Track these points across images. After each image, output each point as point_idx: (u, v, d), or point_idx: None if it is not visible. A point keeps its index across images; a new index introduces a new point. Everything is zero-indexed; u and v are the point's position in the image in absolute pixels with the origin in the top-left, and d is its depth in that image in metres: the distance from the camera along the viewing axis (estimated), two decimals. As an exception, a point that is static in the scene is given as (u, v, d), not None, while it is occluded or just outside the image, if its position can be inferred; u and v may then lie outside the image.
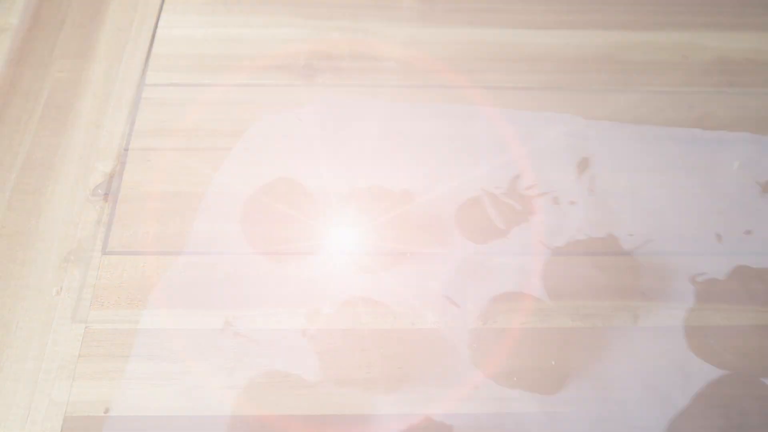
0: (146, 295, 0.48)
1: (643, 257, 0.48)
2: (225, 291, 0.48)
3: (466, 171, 0.53)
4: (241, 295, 0.48)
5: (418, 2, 0.69)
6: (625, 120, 0.55)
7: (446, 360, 0.45)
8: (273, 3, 0.70)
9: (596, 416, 0.42)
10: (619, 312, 0.46)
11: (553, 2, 0.68)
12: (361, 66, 0.62)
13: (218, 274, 0.48)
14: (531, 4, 0.68)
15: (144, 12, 0.72)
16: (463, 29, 0.66)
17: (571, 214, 0.50)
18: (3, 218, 0.55)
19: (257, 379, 0.44)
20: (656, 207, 0.50)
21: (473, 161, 0.53)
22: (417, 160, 0.54)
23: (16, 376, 0.47)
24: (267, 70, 0.62)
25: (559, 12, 0.67)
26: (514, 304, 0.47)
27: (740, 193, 0.50)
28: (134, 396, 0.44)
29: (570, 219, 0.50)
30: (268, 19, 0.69)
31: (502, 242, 0.50)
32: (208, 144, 0.56)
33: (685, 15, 0.67)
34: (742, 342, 0.45)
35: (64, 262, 0.51)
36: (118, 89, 0.64)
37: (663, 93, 0.59)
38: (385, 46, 0.65)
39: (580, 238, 0.49)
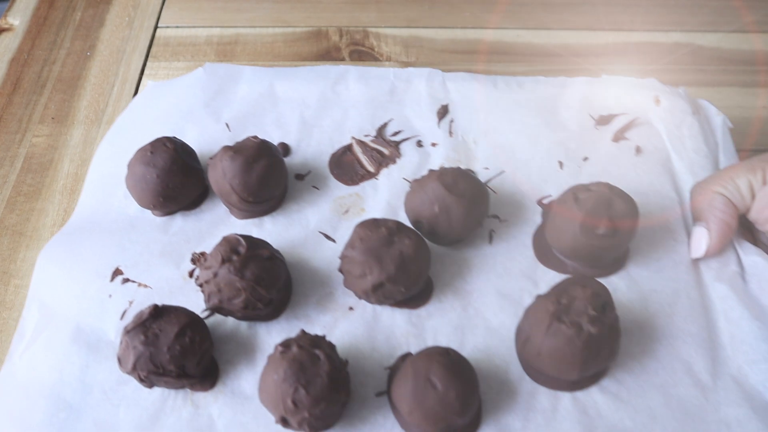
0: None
1: (496, 186, 0.53)
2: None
3: (337, 123, 0.58)
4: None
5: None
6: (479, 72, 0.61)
7: (324, 288, 0.49)
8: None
9: (457, 323, 0.47)
10: (477, 234, 0.51)
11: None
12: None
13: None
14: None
15: None
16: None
17: (433, 154, 0.55)
18: (3, 218, 0.56)
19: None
20: (507, 143, 0.56)
21: (343, 114, 0.58)
22: (292, 117, 0.58)
23: None
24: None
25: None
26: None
27: (578, 126, 0.56)
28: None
29: (432, 158, 0.55)
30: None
31: (372, 183, 0.54)
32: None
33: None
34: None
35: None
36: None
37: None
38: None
39: (441, 174, 0.55)
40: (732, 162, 0.53)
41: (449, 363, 0.41)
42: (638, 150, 0.55)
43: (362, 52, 0.68)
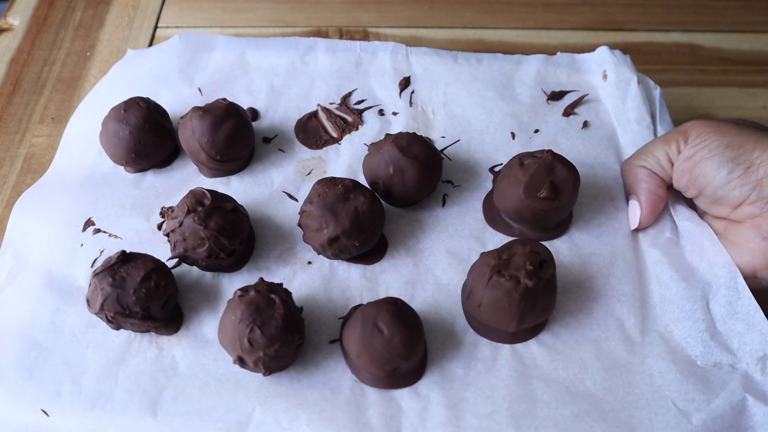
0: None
1: (452, 154, 0.56)
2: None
3: (305, 91, 0.61)
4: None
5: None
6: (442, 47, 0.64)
7: (285, 243, 0.52)
8: None
9: (409, 278, 0.50)
10: (432, 197, 0.54)
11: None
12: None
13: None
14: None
15: None
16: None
17: (394, 122, 0.59)
18: (3, 218, 0.57)
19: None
20: (464, 114, 0.59)
21: (310, 83, 0.61)
22: (262, 84, 0.61)
23: None
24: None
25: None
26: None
27: (531, 101, 0.60)
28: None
29: (393, 126, 0.58)
30: None
31: (335, 148, 0.57)
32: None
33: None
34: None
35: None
36: None
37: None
38: None
39: (401, 141, 0.58)
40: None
41: (396, 311, 0.44)
42: (586, 124, 0.58)
43: None
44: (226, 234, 0.48)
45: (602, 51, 0.61)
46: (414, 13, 0.73)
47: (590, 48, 0.62)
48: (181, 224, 0.47)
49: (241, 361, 0.43)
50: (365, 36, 0.71)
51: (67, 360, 0.46)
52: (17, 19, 0.74)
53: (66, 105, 0.66)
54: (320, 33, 0.72)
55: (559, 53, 0.62)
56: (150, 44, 0.71)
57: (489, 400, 0.44)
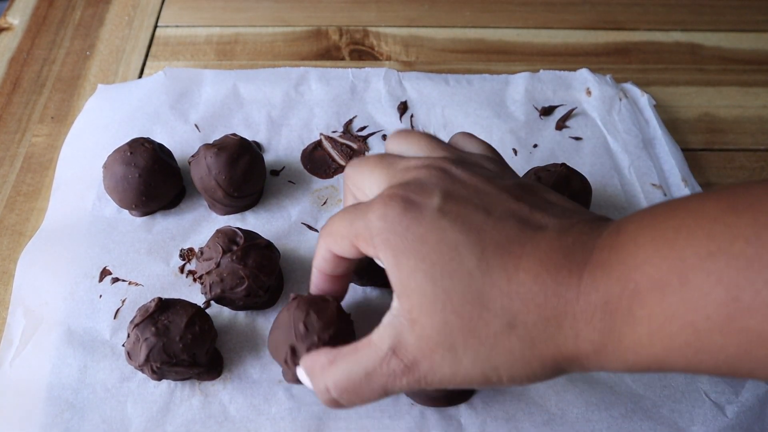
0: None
1: (459, 173, 0.58)
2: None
3: (304, 121, 0.61)
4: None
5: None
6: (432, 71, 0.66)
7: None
8: None
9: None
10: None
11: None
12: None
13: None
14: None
15: None
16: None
17: (398, 147, 0.60)
18: (3, 218, 0.55)
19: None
20: (464, 133, 0.61)
21: (309, 112, 0.61)
22: (260, 117, 0.60)
23: None
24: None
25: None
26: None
27: (525, 117, 0.62)
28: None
29: (398, 150, 0.59)
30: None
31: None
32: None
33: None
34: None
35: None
36: None
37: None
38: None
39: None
40: (658, 135, 0.61)
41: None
42: (578, 136, 0.61)
43: (362, 52, 0.70)
44: (265, 270, 0.47)
45: (583, 72, 0.65)
46: (414, 12, 0.74)
47: (591, 47, 0.64)
48: (218, 265, 0.46)
49: (292, 352, 0.41)
50: (365, 35, 0.72)
51: (106, 418, 0.44)
52: (17, 18, 0.73)
53: (66, 104, 0.64)
54: (320, 32, 0.71)
55: (542, 71, 0.65)
56: (150, 44, 0.70)
57: (543, 408, 0.46)
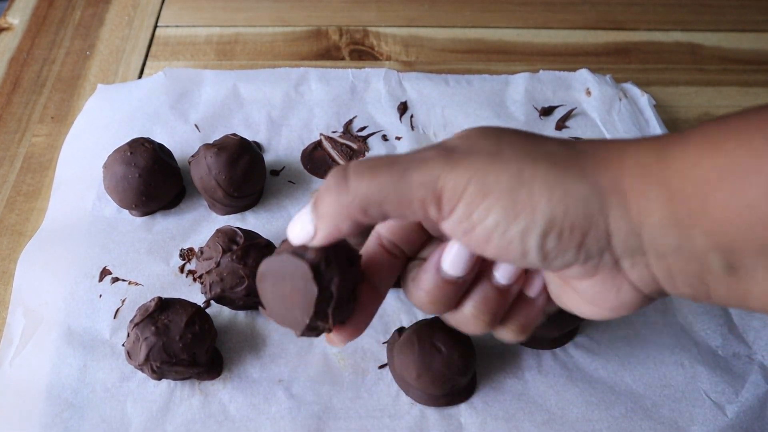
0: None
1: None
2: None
3: (304, 121, 0.61)
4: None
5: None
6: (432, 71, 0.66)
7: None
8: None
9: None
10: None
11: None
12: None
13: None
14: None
15: None
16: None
17: (399, 147, 0.60)
18: (3, 218, 0.55)
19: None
20: (464, 132, 0.61)
21: (309, 113, 0.61)
22: (260, 117, 0.61)
23: None
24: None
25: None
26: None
27: (526, 117, 0.62)
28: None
29: (398, 151, 0.59)
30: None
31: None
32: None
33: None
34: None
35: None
36: None
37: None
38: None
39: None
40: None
41: (449, 328, 0.45)
42: (578, 137, 0.61)
43: (362, 52, 0.70)
44: (265, 270, 0.47)
45: (583, 72, 0.65)
46: (414, 12, 0.74)
47: (591, 47, 0.64)
48: (218, 264, 0.46)
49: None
50: (365, 35, 0.72)
51: (105, 417, 0.44)
52: (17, 18, 0.73)
53: (66, 104, 0.65)
54: (320, 32, 0.71)
55: (542, 71, 0.65)
56: (149, 44, 0.70)
57: (543, 408, 0.46)
